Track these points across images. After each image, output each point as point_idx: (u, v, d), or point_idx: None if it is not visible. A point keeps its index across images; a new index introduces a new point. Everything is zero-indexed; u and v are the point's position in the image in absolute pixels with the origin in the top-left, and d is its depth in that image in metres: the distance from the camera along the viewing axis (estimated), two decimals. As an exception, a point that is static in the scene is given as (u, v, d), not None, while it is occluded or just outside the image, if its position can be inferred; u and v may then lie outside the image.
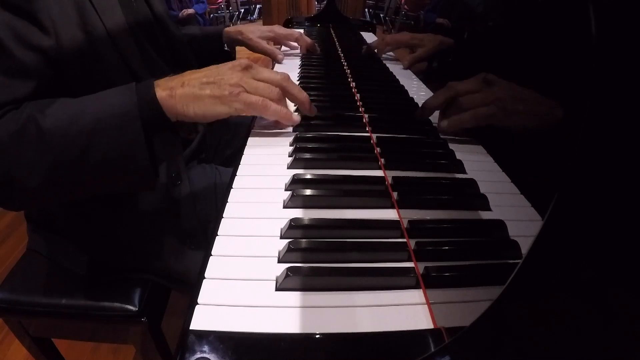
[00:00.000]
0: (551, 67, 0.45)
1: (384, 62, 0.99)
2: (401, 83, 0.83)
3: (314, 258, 0.38)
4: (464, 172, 0.52)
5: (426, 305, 0.34)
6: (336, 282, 0.35)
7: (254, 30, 0.97)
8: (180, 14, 4.09)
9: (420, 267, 0.37)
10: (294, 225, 0.40)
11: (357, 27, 1.39)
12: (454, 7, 0.86)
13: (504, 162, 0.53)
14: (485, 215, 0.45)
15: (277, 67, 0.97)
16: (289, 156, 0.54)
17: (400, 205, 0.45)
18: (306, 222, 0.41)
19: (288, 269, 0.35)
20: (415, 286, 0.36)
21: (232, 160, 0.54)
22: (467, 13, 0.77)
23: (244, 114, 0.52)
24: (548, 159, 0.40)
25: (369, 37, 1.28)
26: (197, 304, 0.33)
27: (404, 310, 0.33)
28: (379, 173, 0.51)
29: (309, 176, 0.48)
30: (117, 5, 0.60)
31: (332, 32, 1.32)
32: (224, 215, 0.43)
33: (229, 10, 6.32)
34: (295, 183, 0.47)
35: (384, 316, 0.33)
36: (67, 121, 0.45)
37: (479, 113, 0.53)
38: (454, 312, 0.33)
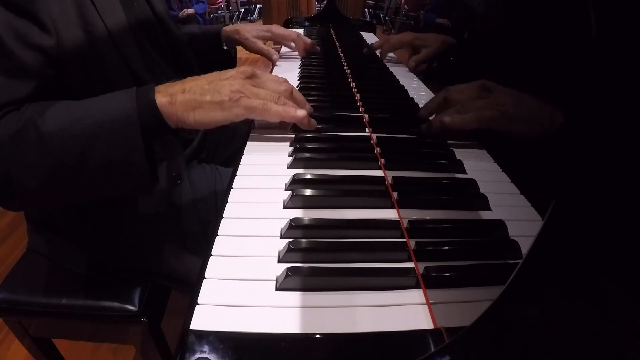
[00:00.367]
0: (551, 67, 0.45)
1: (384, 62, 0.99)
2: (401, 83, 0.83)
3: (314, 258, 0.38)
4: (464, 172, 0.52)
5: (426, 305, 0.34)
6: (336, 282, 0.35)
7: (251, 30, 0.97)
8: (180, 14, 4.09)
9: (420, 267, 0.37)
10: (294, 225, 0.40)
11: (357, 27, 1.39)
12: (454, 7, 0.86)
13: (504, 162, 0.53)
14: (485, 215, 0.45)
15: (278, 67, 0.97)
16: (289, 156, 0.54)
17: (400, 205, 0.45)
18: (306, 222, 0.41)
19: (288, 269, 0.35)
20: (415, 286, 0.36)
21: (232, 160, 0.54)
22: (467, 13, 0.77)
23: (245, 119, 0.52)
24: (548, 159, 0.40)
25: (369, 37, 1.28)
26: (197, 304, 0.33)
27: (404, 310, 0.33)
28: (379, 173, 0.51)
29: (309, 176, 0.48)
30: (118, 4, 0.60)
31: (332, 32, 1.32)
32: (224, 215, 0.43)
33: (229, 10, 6.32)
34: (295, 183, 0.47)
35: (384, 316, 0.33)
36: (66, 125, 0.45)
37: (481, 116, 0.53)
38: (454, 312, 0.33)
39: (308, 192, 0.45)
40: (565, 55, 0.42)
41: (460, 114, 0.55)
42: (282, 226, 0.41)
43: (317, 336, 0.31)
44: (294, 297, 0.34)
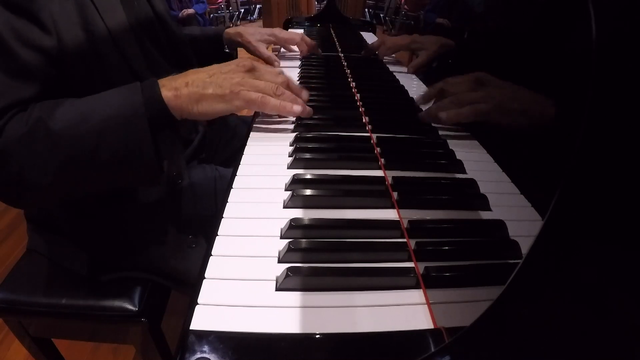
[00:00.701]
0: (551, 66, 0.45)
1: (384, 62, 0.99)
2: (401, 83, 0.83)
3: (314, 258, 0.38)
4: (464, 172, 0.52)
5: (426, 305, 0.34)
6: (336, 282, 0.35)
7: (254, 33, 0.96)
8: (180, 14, 4.09)
9: (420, 267, 0.37)
10: (294, 225, 0.40)
11: (357, 27, 1.39)
12: (454, 7, 0.86)
13: (504, 162, 0.53)
14: (485, 215, 0.45)
15: (278, 67, 0.96)
16: (289, 156, 0.54)
17: (400, 205, 0.45)
18: (306, 222, 0.41)
19: (288, 269, 0.35)
20: (415, 286, 0.36)
21: (232, 160, 0.54)
22: (467, 13, 0.77)
23: (245, 110, 0.54)
24: (548, 159, 0.40)
25: (369, 37, 1.28)
26: (197, 304, 0.33)
27: (404, 310, 0.33)
28: (379, 173, 0.51)
29: (309, 176, 0.48)
30: (118, 4, 0.60)
31: (332, 32, 1.32)
32: (224, 215, 0.43)
33: (229, 10, 6.32)
34: (295, 183, 0.47)
35: (384, 316, 0.33)
36: (75, 122, 0.46)
37: (477, 109, 0.54)
38: (454, 312, 0.33)
39: (308, 192, 0.45)
40: (565, 55, 0.42)
41: (457, 109, 0.56)
42: (282, 226, 0.41)
43: (317, 336, 0.31)
44: (294, 297, 0.34)
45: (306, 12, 3.77)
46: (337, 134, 0.59)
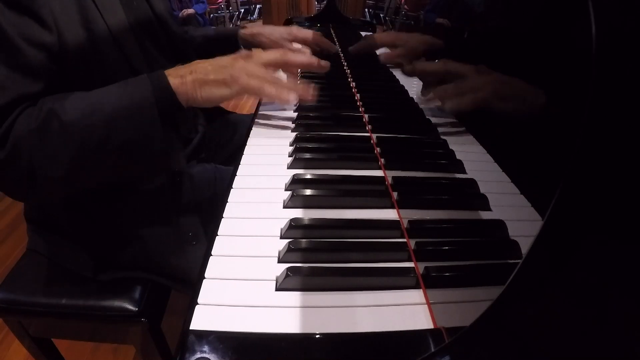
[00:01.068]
0: (551, 66, 0.45)
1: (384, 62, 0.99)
2: (401, 83, 0.83)
3: (314, 258, 0.38)
4: (464, 172, 0.52)
5: (426, 305, 0.34)
6: (336, 282, 0.35)
7: (272, 33, 0.92)
8: (180, 14, 4.09)
9: (420, 267, 0.37)
10: (294, 225, 0.40)
11: (357, 27, 1.39)
12: (454, 7, 0.86)
13: (504, 162, 0.53)
14: (485, 215, 0.45)
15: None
16: (289, 156, 0.54)
17: (400, 205, 0.45)
18: (306, 222, 0.41)
19: (288, 269, 0.35)
20: (415, 286, 0.36)
21: (232, 160, 0.55)
22: (467, 13, 0.77)
23: (244, 98, 0.56)
24: (548, 159, 0.40)
25: (369, 37, 1.28)
26: (197, 304, 0.33)
27: (404, 311, 0.33)
28: (379, 173, 0.51)
29: (309, 176, 0.48)
30: (118, 4, 0.61)
31: (332, 32, 1.32)
32: (224, 215, 0.43)
33: (229, 10, 6.31)
34: (295, 183, 0.47)
35: (384, 316, 0.33)
36: (87, 113, 0.48)
37: (477, 97, 0.56)
38: (454, 312, 0.33)
39: (308, 192, 0.45)
40: (565, 54, 0.42)
41: (458, 99, 0.58)
42: (282, 226, 0.41)
43: (317, 336, 0.31)
44: (294, 297, 0.34)
45: (306, 12, 3.77)
46: (337, 134, 0.59)
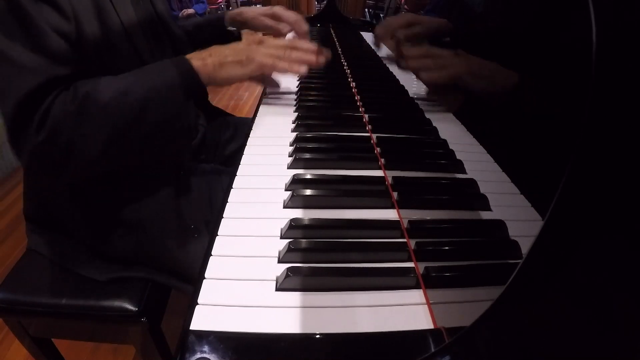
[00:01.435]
0: (552, 66, 0.45)
1: (384, 62, 0.99)
2: (401, 83, 0.83)
3: (314, 258, 0.38)
4: (464, 172, 0.52)
5: (426, 306, 0.34)
6: (336, 282, 0.35)
7: (254, 9, 0.95)
8: (180, 14, 4.09)
9: (420, 267, 0.37)
10: (294, 225, 0.40)
11: (357, 27, 1.39)
12: (454, 7, 0.86)
13: (504, 162, 0.53)
14: (485, 215, 0.45)
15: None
16: (289, 156, 0.54)
17: (400, 205, 0.45)
18: (306, 222, 0.41)
19: (288, 269, 0.35)
20: (416, 286, 0.36)
21: (232, 160, 0.55)
22: (467, 13, 0.77)
23: (259, 74, 0.63)
24: (548, 159, 0.40)
25: (369, 37, 1.28)
26: (197, 304, 0.33)
27: (404, 311, 0.33)
28: (379, 173, 0.51)
29: (309, 176, 0.48)
30: (128, 1, 0.63)
31: (332, 32, 1.32)
32: (224, 215, 0.43)
33: (229, 10, 6.32)
34: (295, 183, 0.47)
35: (384, 316, 0.33)
36: (121, 94, 0.52)
37: (454, 72, 0.62)
38: (454, 312, 0.33)
39: (308, 192, 0.45)
40: (565, 54, 0.42)
41: (437, 71, 0.64)
42: (282, 226, 0.41)
43: (317, 336, 0.31)
44: (294, 297, 0.34)
45: (306, 12, 3.77)
46: (337, 134, 0.59)
